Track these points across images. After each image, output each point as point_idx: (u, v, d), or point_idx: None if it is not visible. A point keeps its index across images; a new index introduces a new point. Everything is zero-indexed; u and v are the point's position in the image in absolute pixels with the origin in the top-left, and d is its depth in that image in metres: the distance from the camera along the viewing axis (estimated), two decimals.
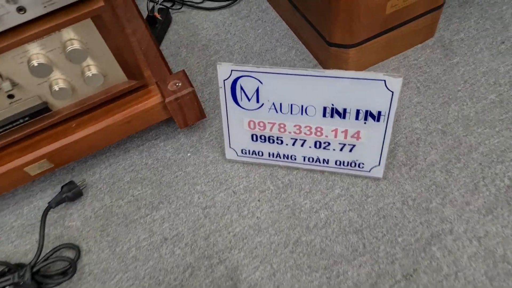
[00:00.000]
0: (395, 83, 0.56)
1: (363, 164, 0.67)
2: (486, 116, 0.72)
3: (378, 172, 0.67)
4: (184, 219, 0.69)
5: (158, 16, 0.95)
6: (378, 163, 0.66)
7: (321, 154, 0.68)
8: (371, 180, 0.68)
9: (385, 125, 0.61)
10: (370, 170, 0.67)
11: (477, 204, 0.64)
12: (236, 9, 0.99)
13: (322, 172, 0.71)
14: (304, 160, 0.70)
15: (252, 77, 0.62)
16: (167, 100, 0.68)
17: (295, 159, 0.70)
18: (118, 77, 0.68)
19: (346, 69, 0.82)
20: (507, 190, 0.64)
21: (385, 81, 0.57)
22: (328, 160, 0.69)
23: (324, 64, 0.83)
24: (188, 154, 0.77)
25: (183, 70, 0.71)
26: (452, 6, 0.87)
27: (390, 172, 0.69)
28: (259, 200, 0.69)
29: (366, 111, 0.60)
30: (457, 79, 0.77)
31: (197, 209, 0.70)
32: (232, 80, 0.63)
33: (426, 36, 0.83)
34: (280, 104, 0.64)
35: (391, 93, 0.58)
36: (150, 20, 0.95)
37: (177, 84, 0.70)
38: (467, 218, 0.63)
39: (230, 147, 0.72)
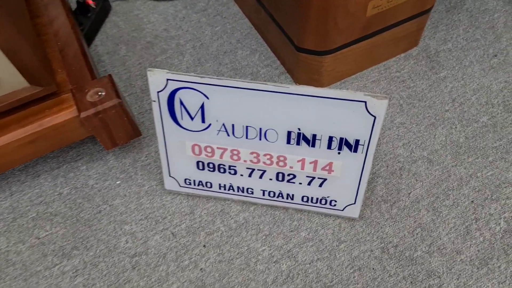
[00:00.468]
0: (379, 106, 0.43)
1: (335, 201, 0.54)
2: (478, 142, 0.61)
3: (354, 212, 0.54)
4: (105, 271, 0.53)
5: (92, 3, 0.78)
6: (353, 201, 0.53)
7: (284, 188, 0.54)
8: (345, 220, 0.55)
9: (364, 156, 0.48)
10: (343, 209, 0.54)
11: (469, 253, 0.52)
12: (190, 1, 0.83)
13: (286, 209, 0.57)
14: (264, 194, 0.56)
15: (195, 89, 0.47)
16: (82, 114, 0.52)
17: (252, 192, 0.56)
18: (16, 81, 0.50)
19: (318, 79, 0.69)
20: (503, 236, 0.53)
21: (366, 102, 0.44)
22: (293, 195, 0.55)
23: (293, 72, 0.69)
24: (118, 182, 0.60)
25: (109, 75, 0.55)
26: (439, 11, 0.76)
27: (368, 210, 0.56)
28: (204, 246, 0.54)
29: (341, 139, 0.47)
30: (444, 96, 0.66)
31: (123, 257, 0.54)
32: (169, 92, 0.48)
33: (409, 44, 0.71)
34: (233, 125, 0.49)
35: (373, 118, 0.45)
36: (81, 8, 0.77)
37: (99, 94, 0.54)
38: (458, 271, 0.51)
39: (170, 175, 0.57)
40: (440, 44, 0.72)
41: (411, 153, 0.61)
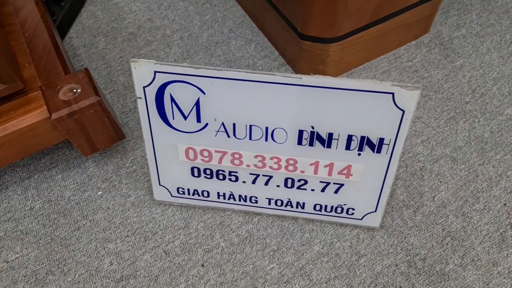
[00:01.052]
0: (409, 98, 0.36)
1: (353, 209, 0.47)
2: (505, 137, 0.55)
3: (374, 221, 0.47)
4: None
5: None
6: (374, 209, 0.46)
7: (293, 195, 0.47)
8: (363, 230, 0.48)
9: (389, 158, 0.41)
10: (362, 218, 0.47)
11: (506, 264, 0.46)
12: None
13: (295, 219, 0.49)
14: (269, 203, 0.48)
15: (189, 83, 0.39)
16: (54, 116, 0.44)
17: (256, 201, 0.49)
18: None
19: (323, 71, 0.62)
20: None
21: (393, 94, 0.37)
22: (303, 203, 0.47)
23: (294, 63, 0.62)
24: (99, 193, 0.52)
25: (86, 69, 0.47)
26: None
27: (388, 217, 0.49)
28: (203, 265, 0.47)
29: (362, 138, 0.40)
30: (463, 87, 0.60)
31: (107, 282, 0.46)
32: (158, 87, 0.40)
33: (420, 31, 0.64)
34: (234, 125, 0.41)
35: (401, 112, 0.38)
36: None
37: (74, 91, 0.46)
38: (496, 286, 0.45)
39: (160, 184, 0.49)
40: (453, 30, 0.66)
41: (431, 151, 0.54)
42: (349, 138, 0.40)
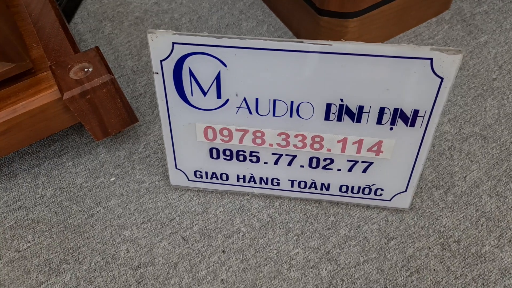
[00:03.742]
0: (449, 64, 0.34)
1: (381, 190, 0.44)
2: None
3: (404, 202, 0.45)
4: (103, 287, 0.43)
5: None
6: (404, 189, 0.44)
7: (318, 176, 0.44)
8: (392, 212, 0.46)
9: (423, 131, 0.39)
10: (391, 199, 0.45)
11: None
12: None
13: (319, 202, 0.47)
14: (292, 185, 0.46)
15: (210, 54, 0.37)
16: (66, 95, 0.41)
17: (277, 184, 0.46)
18: None
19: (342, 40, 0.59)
20: None
21: (432, 60, 0.34)
22: (328, 185, 0.45)
23: None
24: (112, 179, 0.50)
25: (97, 48, 0.45)
26: None
27: (417, 198, 0.47)
28: (224, 251, 0.45)
29: (395, 110, 0.38)
30: (489, 64, 0.57)
31: (124, 270, 0.44)
32: (176, 60, 0.37)
33: (442, 6, 0.62)
34: (256, 100, 0.39)
35: (440, 80, 0.35)
36: None
37: (86, 70, 0.43)
38: None
39: (176, 167, 0.46)
40: (474, 6, 0.63)
41: (460, 129, 0.51)
42: (381, 110, 0.38)
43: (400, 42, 0.60)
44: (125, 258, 0.44)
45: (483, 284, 0.41)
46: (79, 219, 0.47)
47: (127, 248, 0.45)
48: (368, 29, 0.56)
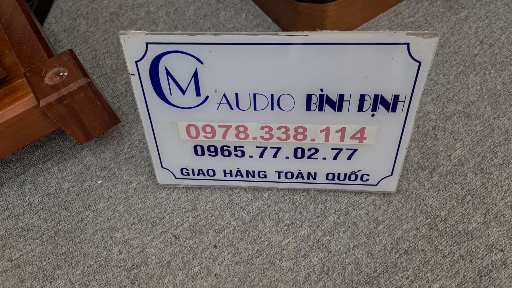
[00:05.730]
0: (426, 47, 0.34)
1: (367, 175, 0.45)
2: None
3: (390, 185, 0.45)
4: None
5: None
6: (390, 173, 0.44)
7: (304, 166, 0.45)
8: (379, 196, 0.46)
9: (404, 116, 0.39)
10: (378, 183, 0.45)
11: None
12: None
13: (306, 191, 0.47)
14: (279, 176, 0.46)
15: (185, 53, 0.36)
16: (43, 102, 0.40)
17: (264, 176, 0.46)
18: None
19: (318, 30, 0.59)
20: None
21: (408, 45, 0.34)
22: (315, 173, 0.45)
23: (290, 28, 0.59)
24: (99, 182, 0.50)
25: (70, 51, 0.44)
26: None
27: (404, 181, 0.47)
28: (215, 246, 0.45)
29: (376, 97, 0.37)
30: (470, 39, 0.57)
31: (118, 272, 0.44)
32: (151, 60, 0.37)
33: None
34: (236, 95, 0.39)
35: (418, 64, 0.35)
36: None
37: (61, 74, 0.42)
38: None
39: (162, 167, 0.46)
40: None
41: (443, 108, 0.52)
42: (362, 98, 0.38)
43: (380, 22, 0.60)
44: (118, 260, 0.45)
45: (470, 261, 0.42)
46: (69, 224, 0.47)
47: (119, 250, 0.45)
48: (347, 12, 0.55)
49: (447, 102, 0.52)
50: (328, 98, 0.38)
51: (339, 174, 0.45)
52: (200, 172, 0.47)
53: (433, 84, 0.54)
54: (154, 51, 0.36)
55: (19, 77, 0.44)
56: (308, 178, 0.46)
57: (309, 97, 0.38)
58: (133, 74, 0.38)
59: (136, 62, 0.37)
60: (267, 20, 0.62)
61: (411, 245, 0.43)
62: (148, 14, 0.65)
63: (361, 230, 0.45)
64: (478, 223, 0.44)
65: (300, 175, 0.46)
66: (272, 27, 0.62)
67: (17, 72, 0.44)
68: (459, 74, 0.54)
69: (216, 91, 0.39)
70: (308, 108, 0.39)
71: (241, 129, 0.41)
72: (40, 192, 0.49)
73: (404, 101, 0.38)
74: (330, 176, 0.45)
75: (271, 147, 0.43)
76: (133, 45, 0.36)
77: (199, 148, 0.44)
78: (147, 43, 0.36)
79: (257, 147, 0.43)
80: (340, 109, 0.39)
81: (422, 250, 0.43)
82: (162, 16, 0.64)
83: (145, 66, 0.37)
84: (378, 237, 0.44)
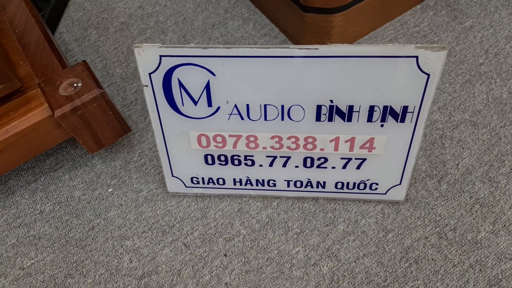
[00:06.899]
0: (434, 60, 0.34)
1: (376, 184, 0.45)
2: None
3: (399, 194, 0.46)
4: None
5: None
6: (399, 182, 0.44)
7: (313, 175, 0.45)
8: (388, 205, 0.47)
9: (413, 126, 0.39)
10: (386, 192, 0.46)
11: None
12: None
13: (315, 200, 0.48)
14: (288, 185, 0.47)
15: (197, 65, 0.37)
16: (57, 113, 0.41)
17: (274, 185, 0.47)
18: None
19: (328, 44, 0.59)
20: None
21: (417, 58, 0.34)
22: (324, 182, 0.46)
23: (297, 38, 0.60)
24: (109, 190, 0.50)
25: (84, 62, 0.44)
26: None
27: (412, 189, 0.47)
28: (225, 255, 0.45)
29: (385, 108, 0.38)
30: (475, 48, 0.57)
31: (129, 280, 0.44)
32: (164, 72, 0.37)
33: None
34: (247, 106, 0.39)
35: (426, 76, 0.35)
36: None
37: (75, 85, 0.43)
38: None
39: (173, 175, 0.47)
40: None
41: (450, 117, 0.52)
42: (371, 109, 0.38)
43: (386, 32, 0.60)
44: (128, 268, 0.45)
45: (480, 270, 0.42)
46: (80, 232, 0.48)
47: (130, 258, 0.46)
48: (354, 22, 0.56)
49: (453, 111, 0.52)
50: (338, 109, 0.39)
51: (348, 183, 0.45)
52: (210, 181, 0.47)
53: (440, 93, 0.54)
54: (167, 64, 0.37)
55: (33, 88, 0.44)
56: (317, 187, 0.46)
57: (319, 108, 0.39)
58: (147, 86, 0.39)
59: (150, 74, 0.38)
60: (274, 30, 0.63)
61: (420, 254, 0.44)
62: (157, 24, 0.66)
63: (371, 238, 0.45)
64: (487, 232, 0.44)
65: (309, 184, 0.46)
66: (279, 37, 0.62)
67: (31, 82, 0.45)
68: (465, 83, 0.55)
69: (227, 102, 0.39)
70: (318, 118, 0.39)
71: (252, 138, 0.42)
72: (52, 200, 0.50)
73: (413, 112, 0.38)
74: (339, 185, 0.46)
75: (280, 156, 0.44)
76: (147, 57, 0.37)
77: (209, 157, 0.45)
78: (160, 56, 0.36)
79: (267, 156, 0.44)
80: (349, 120, 0.39)
81: (432, 259, 0.43)
82: (171, 25, 0.65)
83: (158, 78, 0.38)
84: (388, 246, 0.44)
